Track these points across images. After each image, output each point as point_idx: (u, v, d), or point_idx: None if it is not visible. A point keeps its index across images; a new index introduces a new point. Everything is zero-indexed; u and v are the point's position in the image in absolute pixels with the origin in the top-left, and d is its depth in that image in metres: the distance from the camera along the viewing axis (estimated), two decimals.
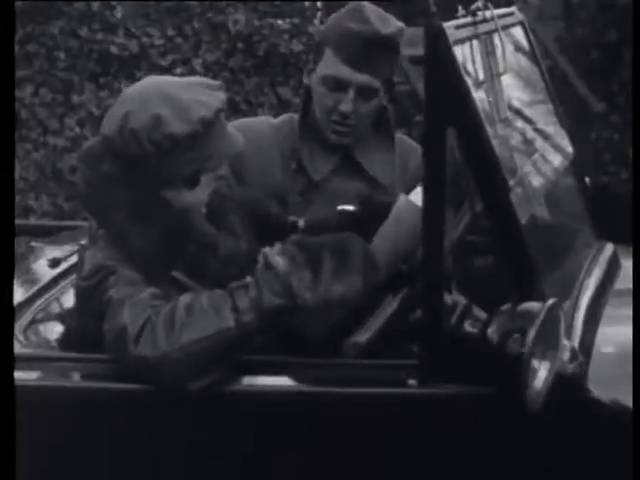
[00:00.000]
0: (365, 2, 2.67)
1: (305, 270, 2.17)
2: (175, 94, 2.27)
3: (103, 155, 2.31)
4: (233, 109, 7.78)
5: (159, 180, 2.28)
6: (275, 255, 2.19)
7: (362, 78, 2.60)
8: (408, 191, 2.74)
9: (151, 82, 2.37)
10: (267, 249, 2.22)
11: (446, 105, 2.08)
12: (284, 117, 2.84)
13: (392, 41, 2.62)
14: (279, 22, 8.26)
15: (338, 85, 2.62)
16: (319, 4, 9.52)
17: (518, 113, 2.57)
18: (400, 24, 2.65)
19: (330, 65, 2.62)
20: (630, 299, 2.43)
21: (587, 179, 3.05)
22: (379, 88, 2.65)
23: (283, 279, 2.15)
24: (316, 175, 2.70)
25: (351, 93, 2.61)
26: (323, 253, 2.19)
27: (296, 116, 2.78)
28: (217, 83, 2.37)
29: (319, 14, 9.28)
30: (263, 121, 2.84)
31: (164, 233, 2.28)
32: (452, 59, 2.07)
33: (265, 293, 2.15)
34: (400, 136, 2.86)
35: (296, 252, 2.19)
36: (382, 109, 2.73)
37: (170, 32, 7.92)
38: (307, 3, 9.04)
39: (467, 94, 2.10)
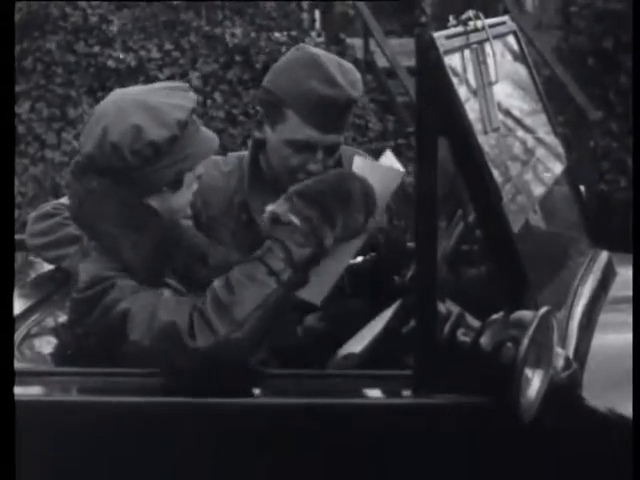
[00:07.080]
0: (320, 53, 2.56)
1: (318, 219, 2.23)
2: (149, 101, 2.28)
3: (89, 169, 2.31)
4: (231, 122, 7.80)
5: (145, 188, 2.29)
6: (287, 212, 2.23)
7: (330, 139, 2.54)
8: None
9: (122, 93, 2.37)
10: (272, 206, 2.26)
11: (437, 115, 2.08)
12: (234, 161, 2.72)
13: (357, 99, 2.55)
14: (276, 34, 8.30)
15: (305, 147, 2.55)
16: (316, 16, 9.55)
17: (515, 121, 2.57)
18: (357, 74, 2.57)
19: (296, 129, 2.53)
20: (625, 306, 2.43)
21: (582, 187, 3.05)
22: (342, 141, 2.61)
23: (301, 230, 2.22)
24: None
25: (320, 154, 2.55)
26: (327, 200, 2.26)
27: (245, 157, 2.69)
28: (185, 85, 2.39)
29: (316, 26, 9.31)
30: (217, 164, 2.69)
31: (154, 243, 2.27)
32: (442, 69, 2.07)
33: (293, 248, 2.21)
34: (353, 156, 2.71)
35: (303, 205, 2.24)
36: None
37: (167, 46, 7.95)
38: (304, 15, 9.08)
39: (458, 103, 2.10)
